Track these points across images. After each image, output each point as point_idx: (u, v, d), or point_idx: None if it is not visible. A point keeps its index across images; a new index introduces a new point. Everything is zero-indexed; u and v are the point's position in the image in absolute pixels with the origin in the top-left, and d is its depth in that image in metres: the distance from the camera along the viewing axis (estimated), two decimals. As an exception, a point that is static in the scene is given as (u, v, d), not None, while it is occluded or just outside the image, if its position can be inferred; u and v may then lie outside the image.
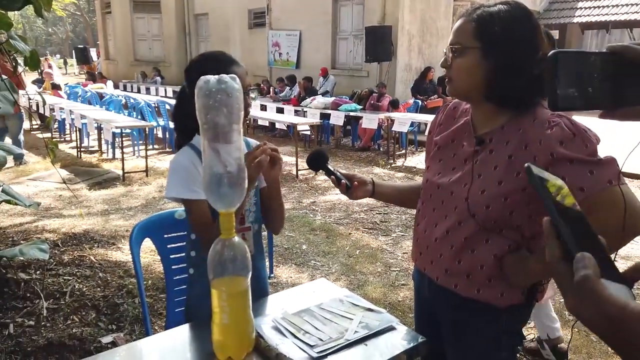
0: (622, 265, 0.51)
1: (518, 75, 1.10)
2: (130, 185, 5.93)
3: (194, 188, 1.41)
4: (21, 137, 6.99)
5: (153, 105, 8.58)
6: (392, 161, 7.49)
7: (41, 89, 10.67)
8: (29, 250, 2.61)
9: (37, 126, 10.14)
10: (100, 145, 7.85)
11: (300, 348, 1.19)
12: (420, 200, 1.38)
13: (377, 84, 9.53)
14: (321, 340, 1.22)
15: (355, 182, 1.41)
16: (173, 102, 8.62)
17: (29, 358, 2.31)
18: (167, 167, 1.48)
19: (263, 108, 9.76)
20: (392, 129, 7.44)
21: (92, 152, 7.95)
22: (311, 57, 12.54)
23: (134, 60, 17.61)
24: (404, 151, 7.86)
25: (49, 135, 8.75)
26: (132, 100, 9.25)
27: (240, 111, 1.10)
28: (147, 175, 6.32)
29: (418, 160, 7.58)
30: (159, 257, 1.90)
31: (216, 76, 1.07)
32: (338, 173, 1.42)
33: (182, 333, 1.33)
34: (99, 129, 7.21)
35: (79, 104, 9.79)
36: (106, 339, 2.49)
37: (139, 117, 8.29)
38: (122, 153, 6.40)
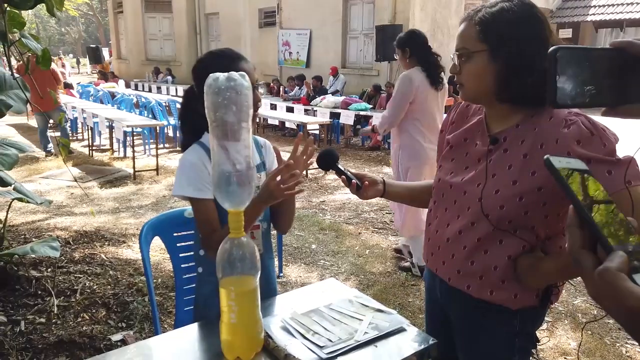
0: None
1: (529, 73, 1.07)
2: (141, 183, 5.97)
3: (201, 187, 1.40)
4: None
5: (164, 104, 8.62)
6: (402, 160, 7.44)
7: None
8: (40, 247, 2.63)
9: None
10: (111, 144, 7.91)
11: (309, 349, 1.18)
12: (432, 199, 1.36)
13: (386, 84, 9.49)
14: (330, 341, 1.20)
15: (366, 182, 1.39)
16: (183, 101, 8.62)
17: (40, 355, 2.32)
18: (177, 166, 1.48)
19: (273, 107, 9.78)
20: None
21: (103, 151, 8.01)
22: (321, 56, 12.53)
23: (146, 60, 17.75)
24: (414, 151, 7.80)
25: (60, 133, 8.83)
26: (143, 99, 9.30)
27: (249, 109, 1.09)
28: (157, 174, 6.35)
29: (428, 159, 7.52)
30: (168, 256, 1.90)
31: (225, 74, 1.06)
32: (348, 173, 1.40)
33: (191, 332, 1.32)
34: (111, 127, 7.27)
35: (91, 102, 9.88)
36: (116, 337, 2.50)
37: (150, 116, 8.34)
38: (133, 152, 6.45)
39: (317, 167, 1.42)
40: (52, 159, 7.14)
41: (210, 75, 1.07)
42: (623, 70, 0.61)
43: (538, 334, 1.28)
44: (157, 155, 6.53)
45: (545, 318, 2.84)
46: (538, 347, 2.49)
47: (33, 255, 3.00)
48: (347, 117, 8.15)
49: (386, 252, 3.90)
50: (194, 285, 1.67)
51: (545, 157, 0.55)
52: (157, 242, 1.87)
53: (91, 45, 18.67)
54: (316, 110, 8.83)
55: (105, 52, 19.13)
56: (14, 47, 2.40)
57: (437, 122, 3.14)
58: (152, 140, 7.40)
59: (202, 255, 1.53)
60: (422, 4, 10.56)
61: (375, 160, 7.57)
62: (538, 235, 1.15)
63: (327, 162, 1.42)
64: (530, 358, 1.30)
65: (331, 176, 6.20)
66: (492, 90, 1.13)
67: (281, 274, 3.36)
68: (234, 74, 1.07)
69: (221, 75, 1.06)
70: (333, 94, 9.96)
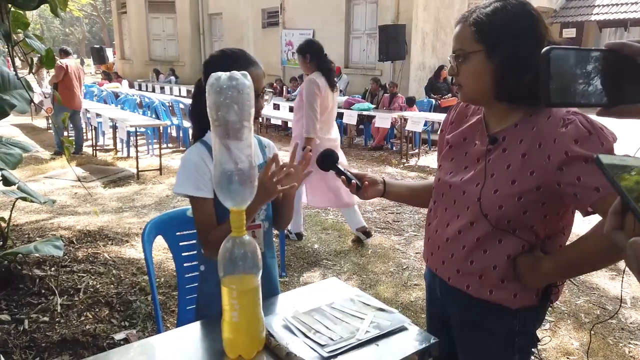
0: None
1: (525, 71, 1.07)
2: (144, 183, 5.99)
3: (200, 186, 1.41)
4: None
5: (167, 104, 8.63)
6: (405, 160, 7.45)
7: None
8: (44, 247, 2.64)
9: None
10: (115, 144, 7.93)
11: (311, 347, 1.18)
12: (432, 199, 1.36)
13: (389, 83, 9.49)
14: (332, 339, 1.21)
15: (366, 182, 1.40)
16: (187, 101, 8.65)
17: (43, 354, 2.34)
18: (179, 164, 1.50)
19: (276, 107, 9.78)
20: (406, 128, 7.39)
21: (107, 151, 8.04)
22: (324, 56, 12.50)
23: (149, 60, 17.79)
24: (417, 150, 7.81)
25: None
26: (146, 100, 9.33)
27: (251, 108, 1.09)
28: (160, 174, 6.37)
29: (431, 159, 7.53)
30: (171, 255, 1.90)
31: (227, 73, 1.07)
32: (348, 173, 1.40)
33: (193, 331, 1.33)
34: (114, 127, 7.29)
35: (94, 102, 9.91)
36: (119, 336, 2.51)
37: (154, 116, 8.36)
38: (137, 151, 6.47)
39: (318, 167, 1.43)
40: (56, 158, 7.16)
41: (212, 74, 1.07)
42: (617, 71, 0.62)
43: (540, 333, 1.28)
44: (160, 155, 6.55)
45: (548, 318, 2.84)
46: (540, 347, 2.49)
47: (37, 255, 3.02)
48: (350, 117, 8.14)
49: (388, 251, 3.90)
50: (196, 284, 1.68)
51: (595, 155, 0.56)
52: (160, 242, 1.88)
53: (95, 46, 18.72)
54: (319, 110, 8.81)
55: (109, 52, 19.16)
56: (18, 47, 2.41)
57: (332, 117, 3.88)
58: (155, 140, 7.42)
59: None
60: (425, 4, 10.54)
61: (378, 160, 7.57)
62: (537, 235, 1.15)
63: (327, 162, 1.42)
64: (532, 358, 1.30)
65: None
66: (490, 90, 1.14)
67: (283, 274, 3.37)
68: (236, 73, 1.07)
69: (223, 75, 1.06)
70: (336, 93, 9.95)
